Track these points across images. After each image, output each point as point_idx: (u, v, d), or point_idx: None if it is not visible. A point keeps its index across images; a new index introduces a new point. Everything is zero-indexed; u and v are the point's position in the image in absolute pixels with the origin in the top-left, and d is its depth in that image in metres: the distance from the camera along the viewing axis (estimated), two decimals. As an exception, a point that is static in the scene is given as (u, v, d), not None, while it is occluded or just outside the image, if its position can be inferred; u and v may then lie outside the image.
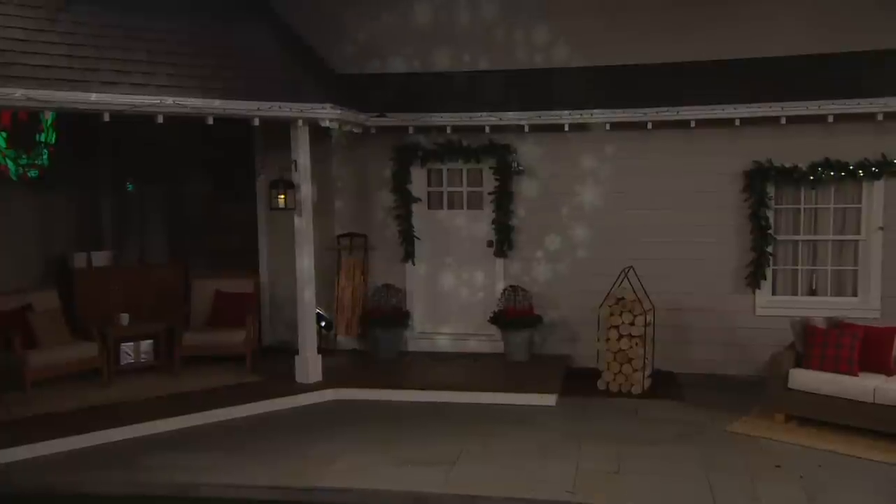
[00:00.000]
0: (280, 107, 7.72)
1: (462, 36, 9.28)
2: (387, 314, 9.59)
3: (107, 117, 6.96)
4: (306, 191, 8.36)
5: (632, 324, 8.23)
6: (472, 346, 9.73)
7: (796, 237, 8.92)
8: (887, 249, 8.57)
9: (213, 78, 7.57)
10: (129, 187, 10.46)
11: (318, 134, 8.70)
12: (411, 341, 9.90)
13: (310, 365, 8.46)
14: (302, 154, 8.30)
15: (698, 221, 8.98)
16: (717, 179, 8.91)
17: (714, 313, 8.99)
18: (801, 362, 7.30)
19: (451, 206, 9.87)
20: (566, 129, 9.02)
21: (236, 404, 7.80)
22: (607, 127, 8.92)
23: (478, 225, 9.74)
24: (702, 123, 8.64)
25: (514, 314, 9.29)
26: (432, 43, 9.34)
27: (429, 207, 9.88)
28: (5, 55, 6.65)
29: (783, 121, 8.43)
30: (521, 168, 9.43)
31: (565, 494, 5.75)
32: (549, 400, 8.03)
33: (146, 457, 6.62)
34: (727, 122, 8.58)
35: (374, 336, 9.61)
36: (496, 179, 9.47)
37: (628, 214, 9.16)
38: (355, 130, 9.13)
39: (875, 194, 8.59)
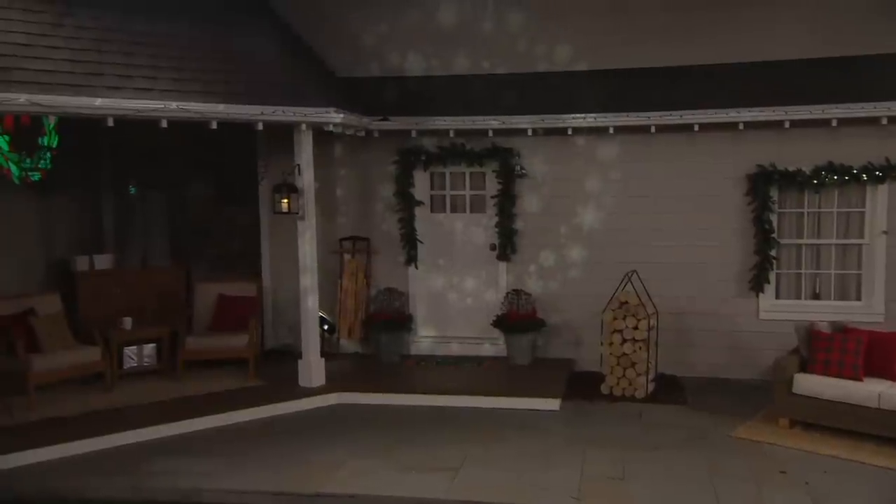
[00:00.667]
0: (283, 111, 7.71)
1: (465, 39, 9.25)
2: (389, 318, 9.57)
3: (111, 122, 6.96)
4: (309, 195, 8.35)
5: (635, 328, 8.22)
6: (475, 349, 9.72)
7: (800, 241, 8.91)
8: (891, 253, 8.57)
9: (216, 82, 7.57)
10: (132, 190, 10.44)
11: (321, 137, 8.69)
12: (414, 345, 9.89)
13: (313, 369, 8.45)
14: (305, 158, 8.29)
15: (702, 225, 8.98)
16: (720, 183, 8.91)
17: (717, 317, 9.00)
18: (805, 367, 7.28)
19: (453, 210, 9.86)
20: (570, 132, 9.03)
21: (239, 409, 7.80)
22: (611, 130, 8.91)
23: (481, 228, 9.73)
24: (705, 127, 8.64)
25: (517, 318, 9.27)
26: (435, 46, 9.32)
27: (431, 211, 9.87)
28: (9, 60, 6.65)
29: (787, 125, 8.42)
30: (524, 171, 9.43)
31: (570, 501, 5.74)
32: (553, 404, 8.02)
33: (149, 462, 6.61)
34: (731, 126, 8.58)
35: (377, 339, 9.60)
36: (499, 183, 9.46)
37: (631, 218, 9.16)
38: (358, 134, 9.12)
39: (879, 198, 8.58)
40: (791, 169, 8.68)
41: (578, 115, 8.84)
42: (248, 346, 8.85)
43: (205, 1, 8.23)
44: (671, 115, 8.60)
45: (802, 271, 8.96)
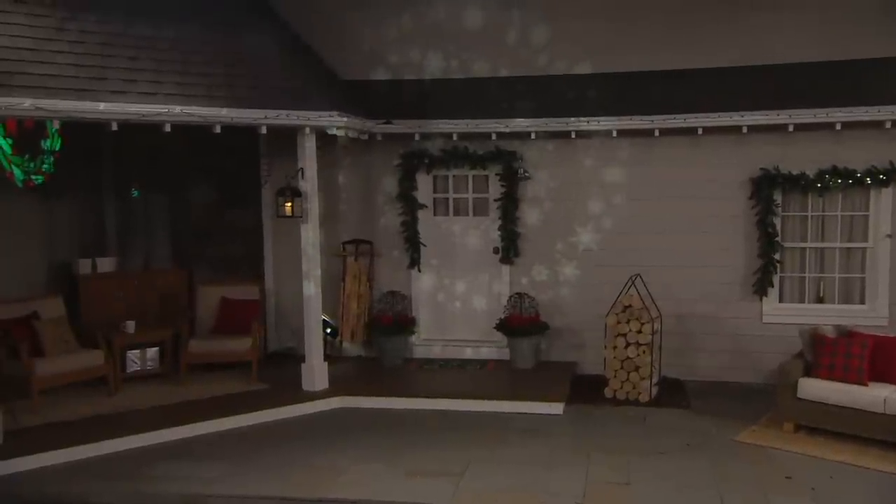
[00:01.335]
0: (287, 115, 7.71)
1: (468, 42, 9.24)
2: (392, 321, 9.56)
3: (114, 126, 6.96)
4: (312, 198, 8.34)
5: (639, 332, 8.21)
6: (478, 353, 9.71)
7: (803, 244, 8.90)
8: (895, 257, 8.55)
9: (220, 86, 7.56)
10: (135, 193, 10.42)
11: (324, 140, 8.67)
12: (417, 348, 9.88)
13: (316, 372, 8.44)
14: (308, 162, 8.29)
15: (705, 228, 8.97)
16: (724, 186, 8.89)
17: (721, 320, 8.98)
18: (809, 371, 7.27)
19: (456, 213, 9.85)
20: (573, 136, 9.02)
21: (243, 412, 7.79)
22: (614, 134, 8.89)
23: (483, 232, 9.72)
24: (709, 131, 8.62)
25: (521, 321, 9.26)
26: (439, 49, 9.30)
27: (434, 214, 9.86)
28: (13, 64, 6.64)
29: (790, 128, 8.41)
30: (527, 175, 9.41)
31: (575, 506, 5.74)
32: (557, 408, 8.01)
33: (153, 467, 6.60)
34: (734, 130, 8.56)
35: (380, 343, 9.60)
36: (502, 186, 9.45)
37: (635, 221, 9.15)
38: (361, 137, 9.11)
39: (883, 202, 8.57)
40: (795, 172, 8.66)
41: (582, 119, 8.82)
42: (251, 350, 8.84)
43: (208, 5, 8.21)
44: (675, 118, 8.59)
45: (806, 275, 8.94)
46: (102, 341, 8.46)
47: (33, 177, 8.86)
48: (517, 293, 9.45)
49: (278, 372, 9.05)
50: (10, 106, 6.37)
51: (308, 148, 8.26)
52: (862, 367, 6.96)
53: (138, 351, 8.91)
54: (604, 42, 8.87)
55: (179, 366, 8.82)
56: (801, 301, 8.95)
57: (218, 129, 7.46)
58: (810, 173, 8.63)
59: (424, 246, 9.78)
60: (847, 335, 7.37)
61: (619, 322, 8.28)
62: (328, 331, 9.57)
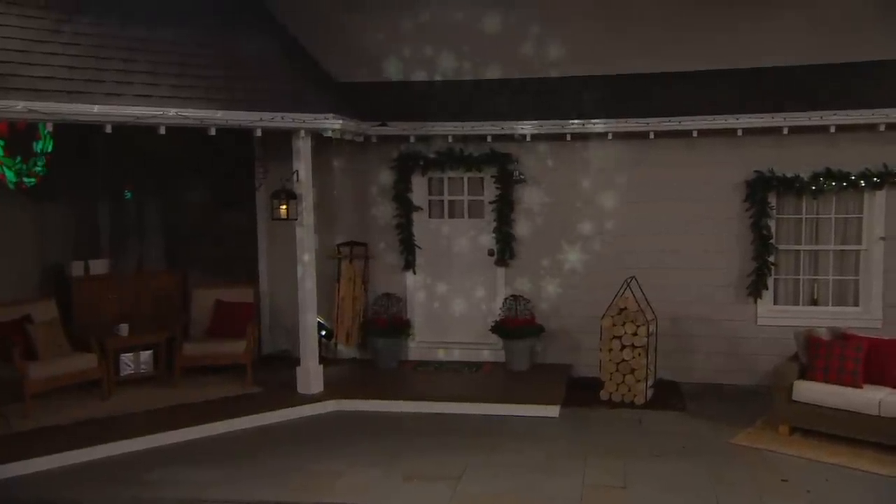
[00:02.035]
0: (283, 117, 7.68)
1: (463, 45, 9.23)
2: (387, 323, 9.54)
3: (109, 129, 6.91)
4: (308, 201, 8.31)
5: (634, 334, 8.22)
6: (473, 355, 9.70)
7: (798, 247, 8.93)
8: (889, 259, 8.59)
9: (215, 88, 7.53)
10: (128, 195, 10.37)
11: (319, 142, 8.65)
12: (412, 350, 9.86)
13: (311, 376, 8.41)
14: (304, 164, 8.25)
15: (700, 231, 8.99)
16: (718, 189, 8.92)
17: (715, 323, 9.00)
18: (804, 374, 7.29)
19: (451, 215, 9.84)
20: (568, 138, 9.02)
21: (238, 416, 7.75)
22: (609, 136, 8.91)
23: (479, 234, 9.71)
24: (704, 133, 8.64)
25: (516, 323, 9.26)
26: (434, 51, 9.28)
27: (429, 216, 9.85)
28: (6, 67, 6.59)
29: (785, 131, 8.44)
30: (522, 177, 9.41)
31: (573, 510, 5.74)
32: (553, 411, 8.00)
33: (148, 471, 6.56)
34: (729, 132, 8.58)
35: (375, 345, 9.57)
36: (497, 188, 9.45)
37: (630, 223, 9.16)
38: (356, 139, 9.09)
39: (876, 204, 8.60)
40: (789, 175, 8.69)
41: (577, 121, 8.83)
42: (246, 353, 8.79)
43: (203, 7, 8.18)
44: (670, 120, 8.60)
45: (800, 277, 8.98)
46: (96, 344, 8.41)
47: (25, 179, 8.82)
48: (512, 295, 9.45)
49: (273, 375, 9.01)
50: (3, 108, 6.32)
51: (303, 150, 8.22)
52: (857, 370, 6.99)
53: (132, 354, 8.86)
54: (599, 44, 8.87)
55: (173, 369, 8.78)
56: (796, 303, 8.98)
57: (213, 132, 7.43)
58: (804, 176, 8.66)
59: (419, 248, 9.76)
60: (841, 338, 7.40)
61: (614, 324, 8.29)
62: (323, 333, 9.55)
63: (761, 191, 8.75)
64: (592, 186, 9.27)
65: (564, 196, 9.34)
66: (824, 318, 8.49)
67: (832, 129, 8.32)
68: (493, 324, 9.41)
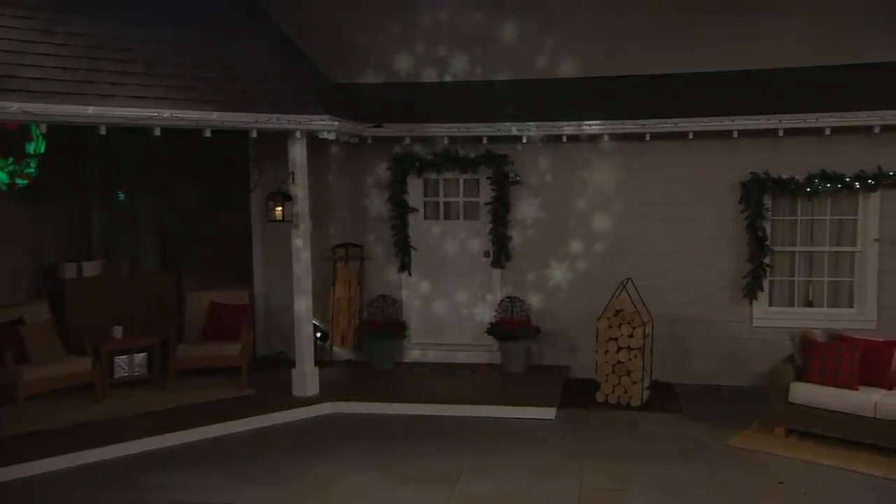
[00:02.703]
0: (278, 119, 7.65)
1: (459, 46, 9.24)
2: (383, 325, 9.52)
3: (103, 130, 6.87)
4: (303, 203, 8.27)
5: (630, 336, 8.21)
6: (469, 357, 9.68)
7: (793, 248, 8.96)
8: (883, 261, 8.63)
9: (210, 89, 7.49)
10: (121, 196, 10.30)
11: (314, 143, 8.61)
12: (407, 352, 9.84)
13: (307, 378, 8.37)
14: (299, 166, 8.21)
15: (696, 232, 9.00)
16: (714, 190, 8.94)
17: (711, 324, 9.02)
18: (800, 376, 7.30)
19: (447, 217, 9.82)
20: (564, 139, 9.02)
21: (233, 419, 7.71)
22: (605, 138, 8.92)
23: (474, 235, 9.70)
24: (700, 135, 8.66)
25: (512, 325, 9.25)
26: (429, 52, 9.29)
27: (425, 218, 9.83)
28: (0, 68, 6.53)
29: (781, 133, 8.46)
30: (517, 178, 9.40)
31: (571, 513, 5.73)
32: (549, 413, 7.99)
33: (143, 475, 6.51)
34: (725, 134, 8.60)
35: (371, 347, 9.55)
36: (493, 190, 9.43)
37: (626, 225, 9.17)
38: (351, 140, 9.07)
39: (871, 206, 8.64)
40: (784, 176, 8.72)
41: (573, 123, 8.82)
42: (241, 355, 8.75)
43: (198, 7, 8.13)
44: (666, 122, 8.61)
45: (795, 278, 9.00)
46: (89, 347, 8.34)
47: (18, 180, 8.73)
48: (508, 297, 9.44)
49: (268, 377, 8.97)
50: (-3, 110, 6.28)
51: (299, 152, 8.18)
52: (852, 372, 7.00)
53: (126, 356, 8.78)
54: (596, 46, 8.89)
55: (168, 372, 8.72)
56: (791, 305, 9.01)
57: (208, 133, 7.39)
58: (800, 177, 8.69)
59: (415, 250, 9.74)
60: (837, 339, 7.42)
61: (610, 326, 8.28)
62: (318, 335, 9.51)
63: (757, 192, 8.77)
64: (588, 188, 9.27)
65: (560, 198, 9.34)
66: (819, 319, 8.53)
67: (827, 131, 8.34)
68: (488, 325, 9.40)
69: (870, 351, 7.13)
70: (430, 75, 9.33)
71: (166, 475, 6.51)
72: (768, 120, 8.38)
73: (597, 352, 8.38)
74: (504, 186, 9.38)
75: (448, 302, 9.82)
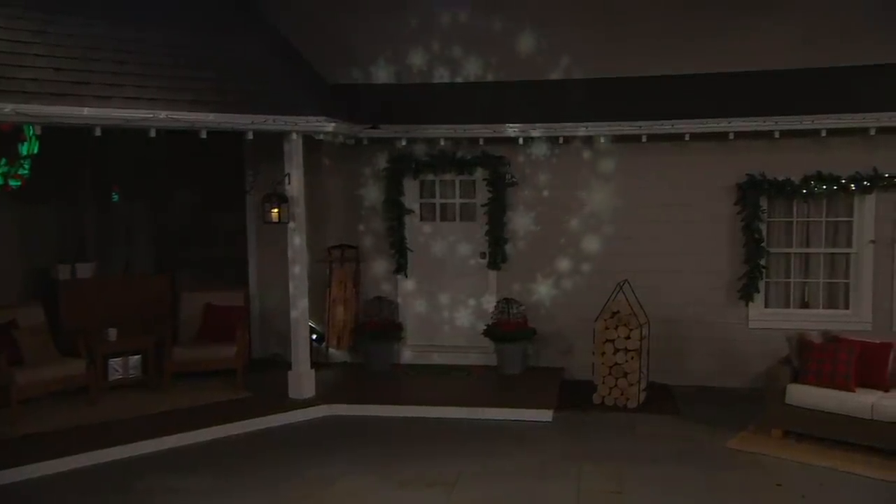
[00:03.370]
0: (274, 120, 7.62)
1: (456, 47, 9.20)
2: (379, 327, 9.49)
3: (98, 132, 6.82)
4: (300, 204, 8.23)
5: (627, 338, 8.20)
6: (466, 358, 9.67)
7: (789, 250, 8.97)
8: (879, 263, 8.65)
9: (206, 90, 7.45)
10: (115, 197, 10.23)
11: (310, 144, 8.58)
12: (404, 354, 9.81)
13: (303, 380, 8.34)
14: (295, 166, 8.17)
15: (692, 234, 9.01)
16: (711, 192, 8.95)
17: (707, 326, 9.03)
18: (797, 377, 7.30)
19: (443, 218, 9.80)
20: (560, 141, 9.02)
21: (229, 422, 7.65)
22: (602, 140, 8.91)
23: (471, 237, 9.68)
24: (696, 136, 8.67)
25: (508, 327, 9.23)
26: (427, 53, 9.26)
27: (421, 219, 9.81)
28: (-7, 69, 6.49)
29: (777, 134, 8.48)
30: (514, 180, 9.39)
31: (570, 517, 5.71)
32: (546, 415, 7.97)
33: (139, 479, 6.46)
34: (721, 136, 8.62)
35: (367, 349, 9.52)
36: (490, 191, 9.42)
37: (622, 226, 9.17)
38: (347, 141, 9.04)
39: (867, 208, 8.66)
40: (780, 178, 8.73)
41: (569, 124, 8.82)
42: (237, 357, 8.71)
43: (194, 8, 8.10)
44: (662, 124, 8.61)
45: (791, 280, 9.02)
46: (83, 349, 8.30)
47: (11, 181, 8.69)
48: (504, 298, 9.42)
49: (263, 379, 8.93)
50: (-9, 111, 6.22)
51: (295, 153, 8.14)
52: (849, 373, 7.00)
53: (120, 359, 8.73)
54: (592, 48, 8.87)
55: (163, 374, 8.68)
56: (787, 306, 9.03)
57: (204, 135, 7.36)
58: (796, 179, 8.70)
59: (411, 251, 9.72)
60: (834, 341, 7.42)
61: (607, 328, 8.28)
62: (314, 337, 9.46)
63: (753, 194, 8.78)
64: (585, 189, 9.26)
65: (556, 199, 9.33)
66: (815, 321, 8.54)
67: (823, 133, 8.36)
68: (485, 327, 9.38)
69: (866, 352, 7.13)
70: (426, 76, 9.30)
71: (161, 479, 6.45)
72: (764, 122, 8.40)
73: (594, 353, 8.37)
74: (501, 188, 9.36)
75: (444, 303, 9.80)
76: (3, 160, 8.58)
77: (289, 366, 8.49)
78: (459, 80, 9.26)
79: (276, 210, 8.07)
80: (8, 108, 6.23)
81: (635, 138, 8.79)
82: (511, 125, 8.91)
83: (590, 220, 9.28)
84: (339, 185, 9.86)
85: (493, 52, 9.15)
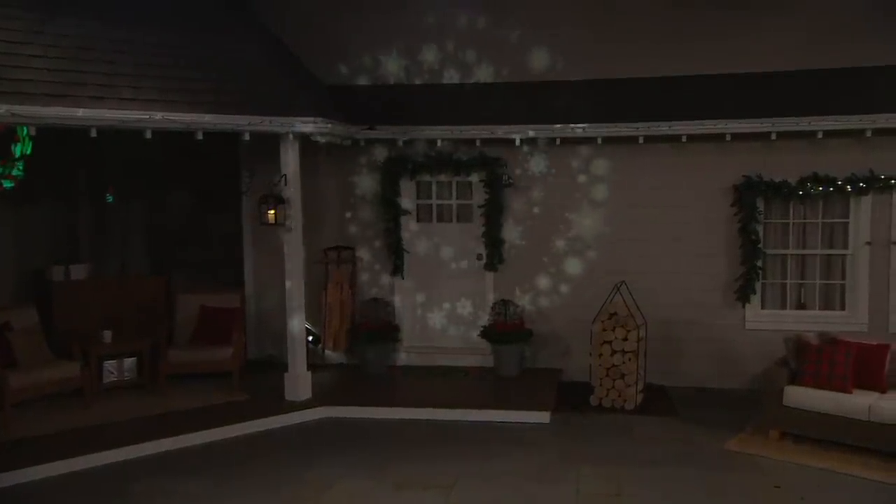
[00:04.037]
0: (270, 121, 7.59)
1: (452, 48, 9.20)
2: (375, 328, 9.45)
3: (94, 133, 6.78)
4: (296, 205, 8.20)
5: (625, 339, 8.19)
6: (462, 360, 9.64)
7: (785, 251, 8.98)
8: (874, 264, 8.66)
9: (202, 91, 7.42)
10: (109, 198, 10.17)
11: (306, 145, 8.55)
12: (400, 356, 9.78)
13: (300, 382, 8.30)
14: (292, 168, 8.14)
15: (689, 235, 9.01)
16: (707, 193, 8.95)
17: (704, 327, 9.03)
18: (794, 379, 7.30)
19: (440, 220, 9.78)
20: (558, 142, 9.00)
21: (226, 424, 7.61)
22: (599, 141, 8.89)
23: (468, 238, 9.65)
24: (693, 138, 8.67)
25: (505, 328, 9.22)
26: (423, 54, 9.25)
27: (418, 220, 9.78)
28: (-12, 69, 6.44)
29: (773, 136, 8.48)
30: (511, 181, 9.37)
31: (568, 519, 5.69)
32: (543, 417, 7.95)
33: (134, 482, 6.41)
34: (718, 137, 8.62)
35: (363, 350, 9.48)
36: (486, 192, 9.40)
37: (620, 228, 9.16)
38: (344, 143, 9.00)
39: (862, 209, 8.68)
40: (777, 179, 8.74)
41: (567, 125, 8.80)
42: (233, 359, 8.67)
43: (190, 9, 8.05)
44: (659, 125, 8.61)
45: (788, 281, 9.02)
46: (78, 351, 8.26)
47: (4, 182, 8.61)
48: (501, 300, 9.40)
49: (259, 381, 8.89)
50: (-14, 112, 6.17)
51: (291, 154, 8.11)
52: (846, 375, 7.01)
53: (115, 361, 8.68)
54: (590, 49, 8.87)
55: (158, 376, 8.62)
56: (783, 307, 9.04)
57: (200, 136, 7.32)
58: (792, 180, 8.71)
59: (408, 252, 9.69)
60: (831, 342, 7.42)
61: (604, 329, 8.26)
62: (310, 339, 9.44)
63: (750, 195, 8.79)
64: (582, 191, 9.26)
65: (554, 200, 9.32)
66: (811, 322, 8.55)
67: (820, 135, 8.37)
68: (482, 328, 9.36)
69: (863, 354, 7.14)
70: (423, 77, 9.29)
71: (157, 482, 6.41)
72: (761, 123, 8.41)
73: (591, 355, 8.36)
74: (497, 189, 9.34)
75: (441, 305, 9.78)
76: (-3, 161, 8.51)
77: (285, 367, 8.45)
78: (456, 81, 9.24)
79: (272, 211, 8.03)
80: (2, 109, 6.19)
81: (632, 140, 8.77)
82: (508, 126, 8.89)
83: (587, 221, 9.27)
84: (336, 187, 9.82)
85: (489, 54, 9.14)
